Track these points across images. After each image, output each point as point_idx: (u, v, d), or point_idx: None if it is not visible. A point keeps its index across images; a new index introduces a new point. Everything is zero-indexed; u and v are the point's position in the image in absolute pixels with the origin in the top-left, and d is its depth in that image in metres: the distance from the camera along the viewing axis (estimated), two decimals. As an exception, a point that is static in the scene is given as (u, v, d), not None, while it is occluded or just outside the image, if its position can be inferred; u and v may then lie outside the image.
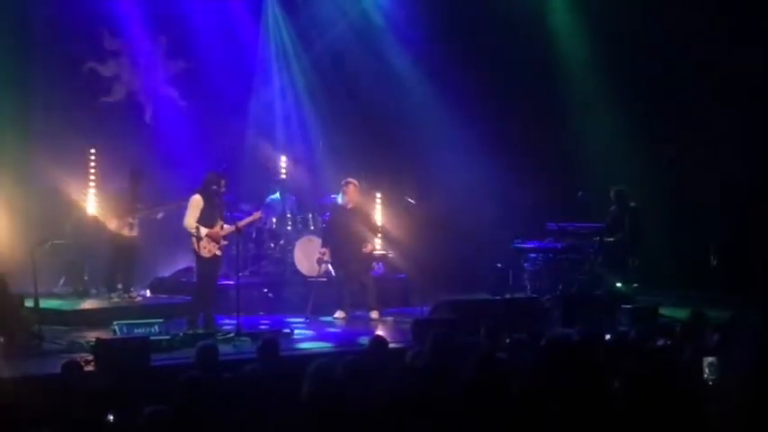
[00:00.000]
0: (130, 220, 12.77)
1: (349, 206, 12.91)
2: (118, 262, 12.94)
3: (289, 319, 12.31)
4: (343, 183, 13.00)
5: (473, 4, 15.59)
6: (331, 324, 12.36)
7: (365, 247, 12.76)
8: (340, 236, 12.83)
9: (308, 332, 11.58)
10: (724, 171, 14.50)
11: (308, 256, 13.62)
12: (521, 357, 7.36)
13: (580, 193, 13.89)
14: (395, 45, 16.13)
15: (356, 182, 12.98)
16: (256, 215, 12.01)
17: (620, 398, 6.32)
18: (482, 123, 15.46)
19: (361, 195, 13.12)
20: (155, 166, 14.08)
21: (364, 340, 9.49)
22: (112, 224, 12.74)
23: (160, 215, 12.98)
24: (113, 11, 14.96)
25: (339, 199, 13.06)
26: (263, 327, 11.63)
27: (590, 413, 6.09)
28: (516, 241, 14.01)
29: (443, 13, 15.73)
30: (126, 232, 12.78)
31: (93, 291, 13.41)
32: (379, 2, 16.33)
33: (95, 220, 13.19)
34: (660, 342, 7.80)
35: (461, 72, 15.65)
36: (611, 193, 13.79)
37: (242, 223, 11.42)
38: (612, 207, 13.81)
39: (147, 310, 12.02)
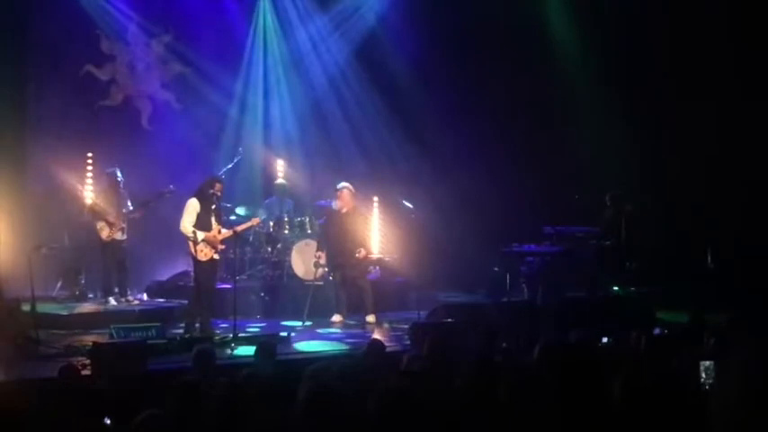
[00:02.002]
0: (122, 225, 12.77)
1: (344, 210, 12.89)
2: (111, 266, 12.93)
3: (284, 323, 12.30)
4: (337, 188, 12.96)
5: (469, 11, 15.58)
6: (328, 328, 12.35)
7: (358, 252, 12.73)
8: (336, 240, 12.82)
9: (305, 336, 11.58)
10: (721, 173, 14.51)
11: (305, 260, 13.61)
12: (518, 361, 7.35)
13: (577, 197, 13.91)
14: (391, 51, 16.13)
15: (351, 187, 12.97)
16: (255, 221, 12.01)
17: (618, 402, 6.32)
18: (479, 127, 15.46)
19: (355, 200, 13.10)
20: (151, 170, 14.09)
21: (361, 344, 9.48)
22: (104, 232, 12.74)
23: (139, 214, 12.99)
24: (110, 15, 14.98)
25: (334, 204, 13.03)
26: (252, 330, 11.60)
27: (588, 418, 6.08)
28: (513, 245, 14.01)
29: (439, 18, 15.74)
30: (118, 237, 12.79)
31: (90, 295, 13.41)
32: (376, 8, 16.33)
33: (91, 224, 13.18)
34: (657, 346, 7.80)
35: (458, 77, 15.68)
36: (607, 198, 13.83)
37: (240, 228, 11.42)
38: (608, 211, 13.85)
39: (144, 313, 12.04)
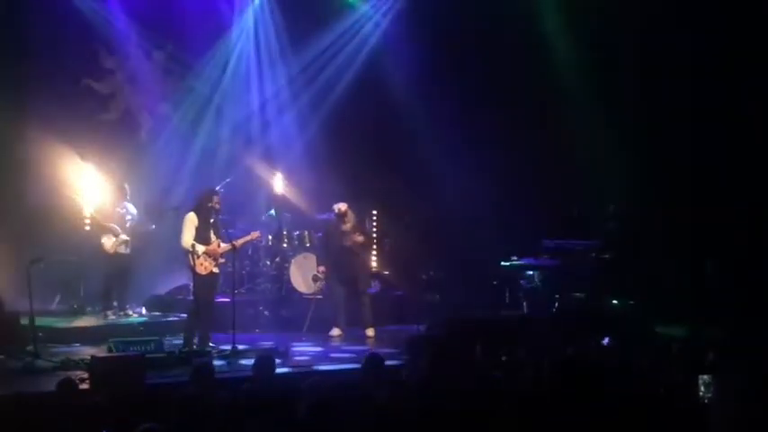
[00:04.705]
0: (125, 238, 12.77)
1: (344, 228, 12.87)
2: (113, 279, 12.93)
3: (283, 337, 12.28)
4: (339, 210, 12.92)
5: (467, 19, 15.61)
6: (327, 341, 12.33)
7: (350, 241, 12.75)
8: (337, 256, 12.83)
9: (304, 350, 11.56)
10: (722, 184, 14.47)
11: (304, 274, 13.60)
12: (517, 375, 7.35)
13: (576, 210, 13.90)
14: (390, 64, 16.17)
15: (347, 206, 12.97)
16: (254, 234, 11.95)
17: (617, 416, 6.31)
18: (477, 140, 15.46)
19: (353, 217, 13.09)
20: (150, 183, 14.09)
21: (360, 357, 9.47)
22: (108, 244, 12.74)
23: (153, 226, 13.04)
24: (110, 29, 14.99)
25: (333, 221, 13.00)
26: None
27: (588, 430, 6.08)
28: (512, 258, 13.99)
29: (437, 29, 15.75)
30: (122, 250, 12.79)
31: (89, 308, 13.38)
32: (374, 18, 16.38)
33: (91, 237, 13.17)
34: (656, 359, 7.80)
35: (455, 88, 15.67)
36: (610, 210, 13.79)
37: (239, 242, 11.38)
38: (609, 224, 13.81)
39: (142, 327, 12.03)
